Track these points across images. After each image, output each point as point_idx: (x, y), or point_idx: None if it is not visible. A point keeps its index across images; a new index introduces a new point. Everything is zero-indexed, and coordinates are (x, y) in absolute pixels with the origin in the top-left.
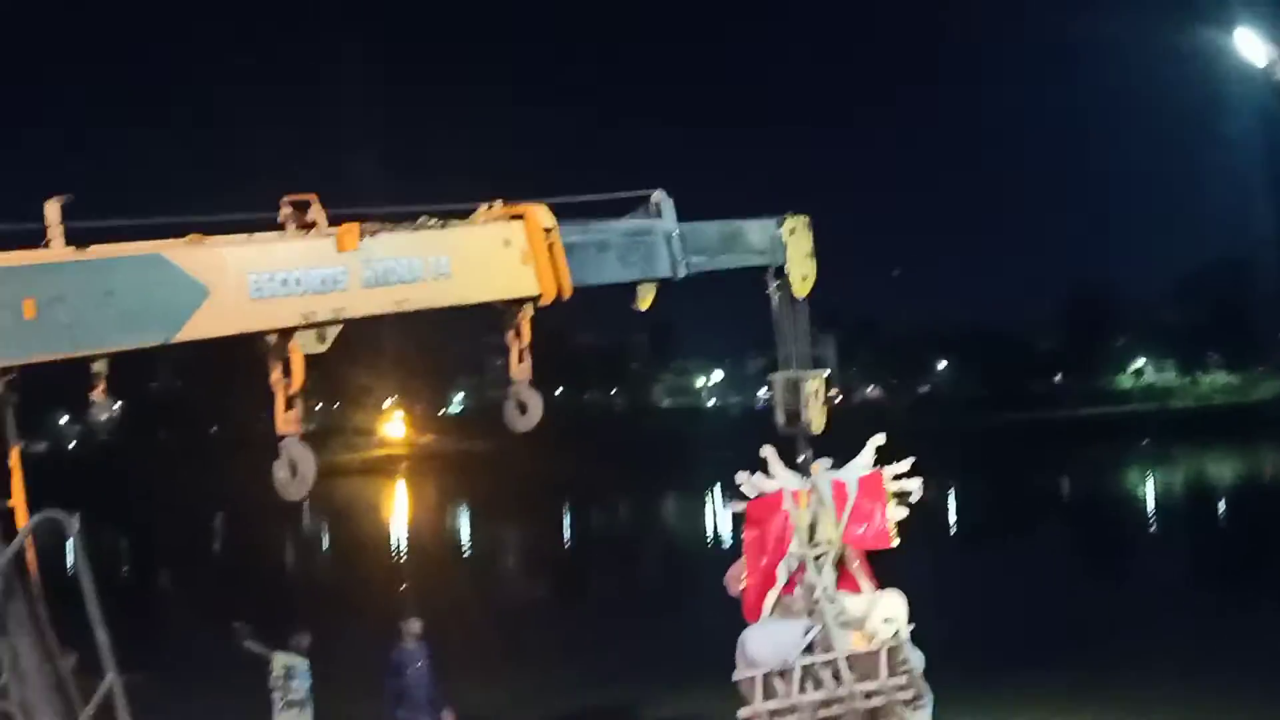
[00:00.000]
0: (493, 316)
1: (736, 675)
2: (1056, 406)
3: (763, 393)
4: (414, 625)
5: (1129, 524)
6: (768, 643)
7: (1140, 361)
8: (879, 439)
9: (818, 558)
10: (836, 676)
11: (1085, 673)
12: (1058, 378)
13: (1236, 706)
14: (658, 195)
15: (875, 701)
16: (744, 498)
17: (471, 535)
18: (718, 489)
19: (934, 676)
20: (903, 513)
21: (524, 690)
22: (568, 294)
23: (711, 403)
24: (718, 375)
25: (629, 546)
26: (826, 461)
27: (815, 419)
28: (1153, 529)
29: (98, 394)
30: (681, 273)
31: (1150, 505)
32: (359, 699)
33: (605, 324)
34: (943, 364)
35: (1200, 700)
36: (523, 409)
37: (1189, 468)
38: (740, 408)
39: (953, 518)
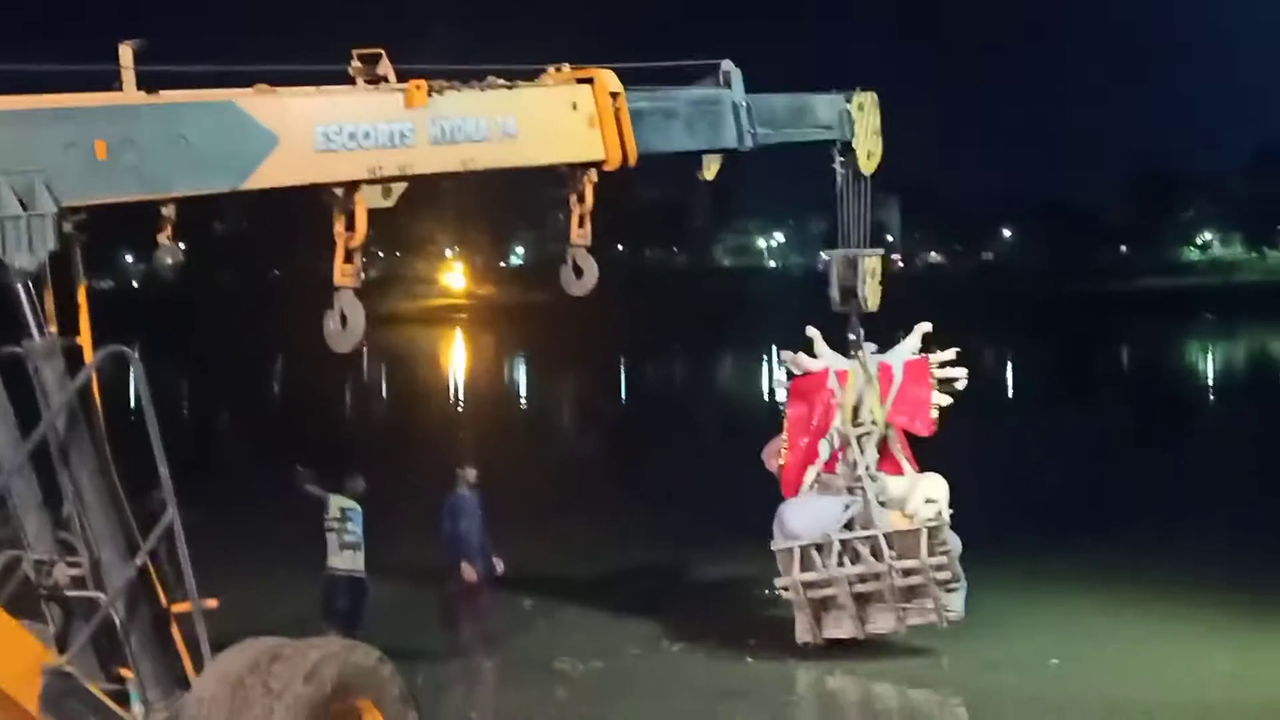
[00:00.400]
0: (557, 180)
1: (775, 545)
2: (1121, 277)
3: (824, 254)
4: (469, 473)
5: (1187, 397)
6: (807, 516)
7: (1207, 235)
8: (925, 326)
9: (861, 436)
10: (875, 553)
11: (1121, 553)
12: (1123, 248)
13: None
14: (727, 65)
15: (912, 580)
16: (790, 375)
17: (528, 387)
18: (774, 351)
19: (970, 557)
20: (946, 400)
21: (570, 543)
22: (633, 161)
23: (773, 264)
24: (779, 236)
25: (683, 405)
26: (871, 346)
27: (870, 297)
28: (1211, 402)
29: (164, 238)
30: (748, 144)
31: (1210, 379)
32: (413, 543)
33: (668, 181)
34: (1008, 232)
35: (1243, 581)
36: (579, 273)
37: (1251, 343)
38: (801, 269)
39: (1010, 386)
